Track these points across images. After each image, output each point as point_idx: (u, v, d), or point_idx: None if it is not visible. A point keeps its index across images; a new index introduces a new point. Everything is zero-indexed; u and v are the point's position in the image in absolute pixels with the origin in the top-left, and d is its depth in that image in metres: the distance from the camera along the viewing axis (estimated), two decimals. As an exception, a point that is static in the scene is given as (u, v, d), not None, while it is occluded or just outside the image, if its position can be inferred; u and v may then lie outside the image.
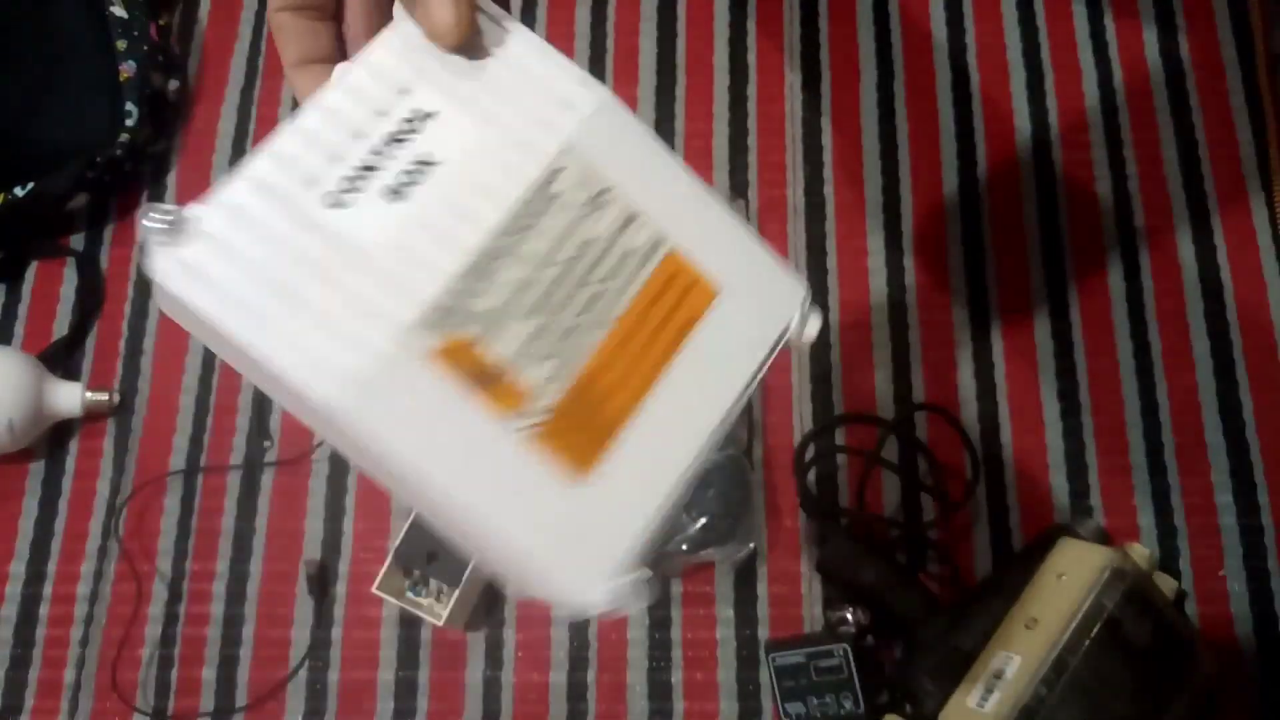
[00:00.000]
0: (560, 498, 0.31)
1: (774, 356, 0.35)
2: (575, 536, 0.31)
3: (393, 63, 0.33)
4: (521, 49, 0.34)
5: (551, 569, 0.30)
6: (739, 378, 0.34)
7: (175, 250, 0.29)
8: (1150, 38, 0.92)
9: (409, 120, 0.32)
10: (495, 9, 0.34)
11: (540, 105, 0.34)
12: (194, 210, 0.29)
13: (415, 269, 0.30)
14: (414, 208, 0.31)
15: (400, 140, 0.32)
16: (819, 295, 0.85)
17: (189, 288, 0.29)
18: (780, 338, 0.35)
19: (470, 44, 0.33)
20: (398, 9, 0.33)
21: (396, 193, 0.31)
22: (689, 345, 0.33)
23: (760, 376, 0.34)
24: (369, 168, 0.31)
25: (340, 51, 0.36)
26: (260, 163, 0.30)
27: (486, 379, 0.30)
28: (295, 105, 0.37)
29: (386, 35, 0.33)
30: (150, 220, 0.29)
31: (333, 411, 0.28)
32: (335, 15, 0.36)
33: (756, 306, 0.35)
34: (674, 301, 0.34)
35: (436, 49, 0.33)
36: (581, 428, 0.31)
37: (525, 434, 0.31)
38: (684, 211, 0.34)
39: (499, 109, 0.33)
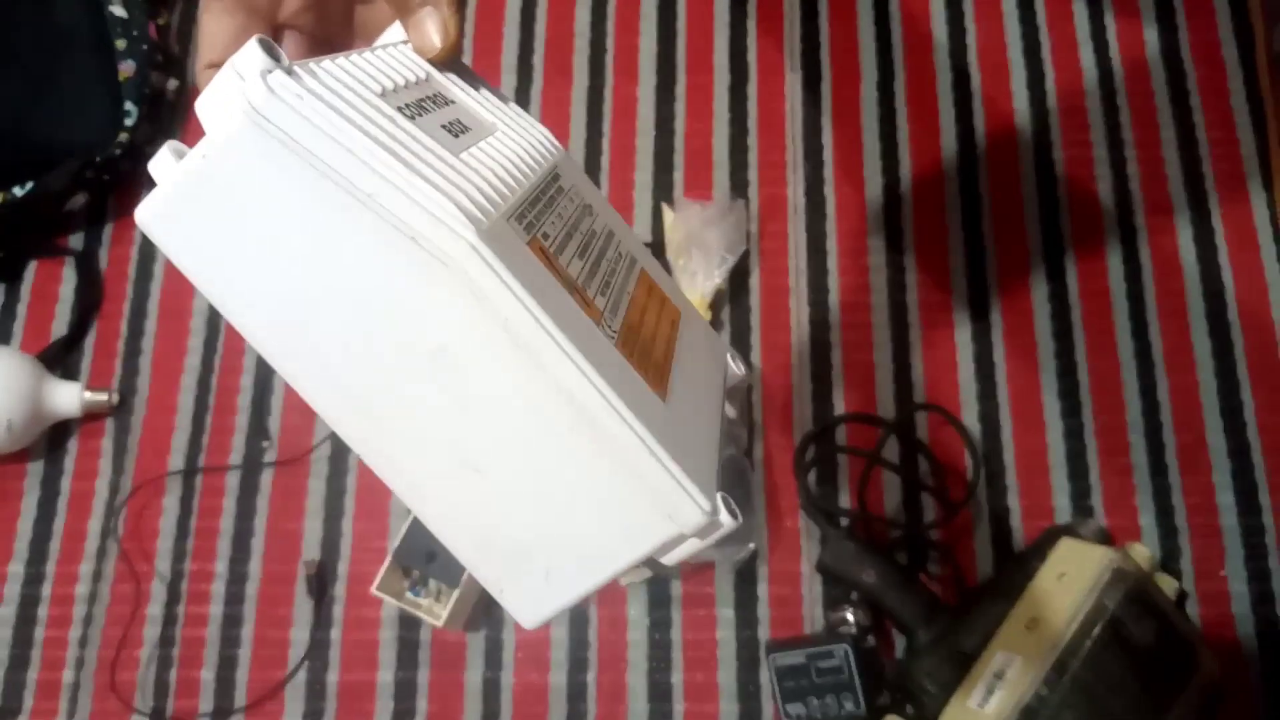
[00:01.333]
0: (655, 408, 0.29)
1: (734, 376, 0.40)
2: (682, 448, 0.29)
3: (405, 53, 0.34)
4: (498, 99, 0.36)
5: (675, 474, 0.28)
6: (721, 369, 0.39)
7: (281, 93, 0.26)
8: (1151, 36, 0.92)
9: (435, 96, 0.33)
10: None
11: (529, 132, 0.36)
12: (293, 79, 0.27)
13: (493, 179, 0.30)
14: (471, 141, 0.31)
15: (436, 103, 0.32)
16: (819, 294, 0.85)
17: (299, 125, 0.26)
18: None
19: (456, 68, 0.36)
20: (397, 30, 0.36)
21: (453, 129, 0.31)
22: (681, 329, 0.36)
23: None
24: (423, 107, 0.31)
25: None
26: (329, 70, 0.28)
27: (571, 286, 0.30)
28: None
29: (391, 40, 0.35)
30: (267, 52, 0.27)
31: (467, 255, 0.26)
32: None
33: (710, 347, 0.39)
34: (660, 303, 0.36)
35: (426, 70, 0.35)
36: (645, 356, 0.31)
37: (615, 342, 0.30)
38: (644, 254, 0.38)
39: (504, 117, 0.35)
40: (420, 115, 0.30)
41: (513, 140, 0.34)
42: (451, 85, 0.35)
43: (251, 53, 0.26)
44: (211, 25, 0.36)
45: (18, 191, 0.84)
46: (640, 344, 0.32)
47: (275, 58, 0.27)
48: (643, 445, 0.28)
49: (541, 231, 0.30)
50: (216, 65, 0.35)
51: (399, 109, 0.29)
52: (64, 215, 0.89)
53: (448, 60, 0.35)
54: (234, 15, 0.36)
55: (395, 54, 0.33)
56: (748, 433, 0.80)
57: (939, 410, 0.81)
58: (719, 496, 0.29)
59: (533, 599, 0.30)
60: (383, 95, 0.29)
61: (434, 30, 0.35)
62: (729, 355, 0.40)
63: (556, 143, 0.37)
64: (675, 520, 0.28)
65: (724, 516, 0.29)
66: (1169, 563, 0.77)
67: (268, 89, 0.26)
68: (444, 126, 0.31)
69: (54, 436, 0.83)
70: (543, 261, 0.29)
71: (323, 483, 0.81)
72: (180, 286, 0.88)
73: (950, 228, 0.86)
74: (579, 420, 0.27)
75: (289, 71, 0.27)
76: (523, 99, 0.92)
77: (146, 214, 0.27)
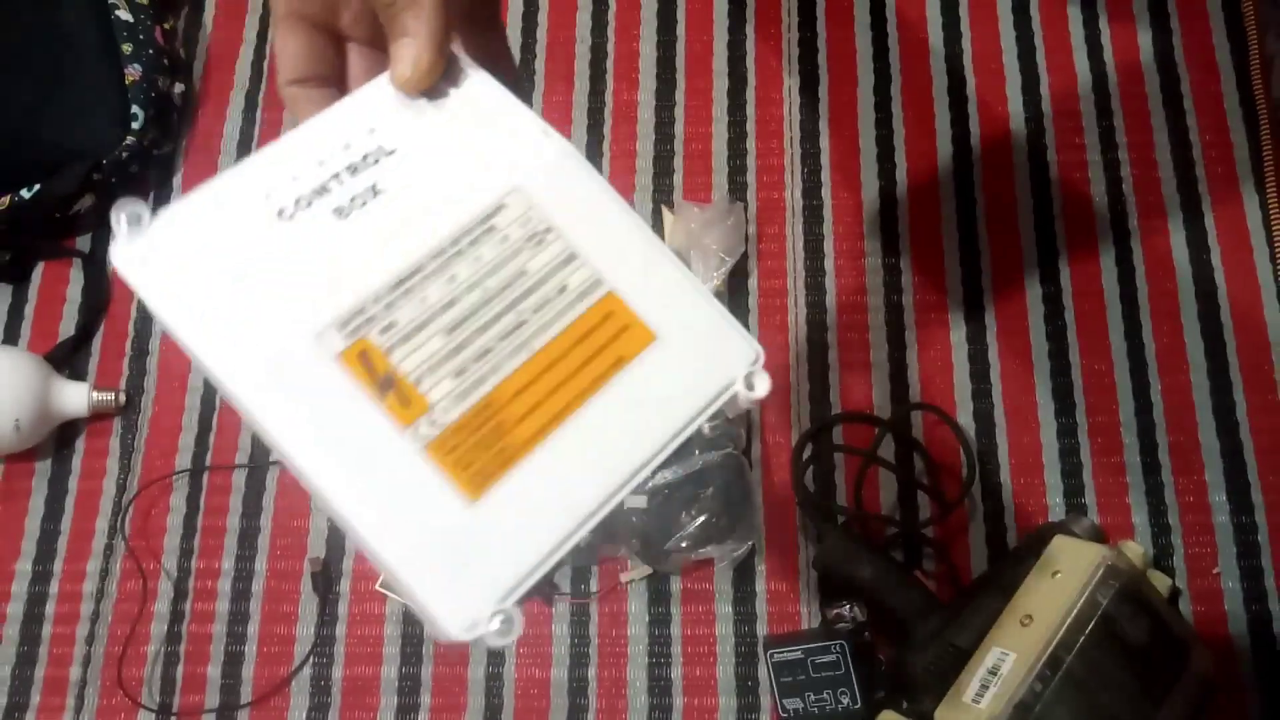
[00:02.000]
0: (445, 514, 0.30)
1: (711, 409, 0.34)
2: (453, 559, 0.30)
3: (368, 103, 0.36)
4: (491, 101, 0.37)
5: (421, 587, 0.29)
6: (666, 426, 0.33)
7: (135, 244, 0.33)
8: (1145, 40, 0.93)
9: (369, 154, 0.35)
10: (475, 67, 0.37)
11: (499, 150, 0.36)
12: (161, 213, 0.33)
13: (342, 278, 0.33)
14: (353, 226, 0.33)
15: (356, 170, 0.34)
16: (816, 295, 0.86)
17: (140, 278, 0.32)
18: (721, 393, 0.34)
19: (441, 92, 0.36)
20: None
21: (341, 212, 0.34)
22: (615, 384, 0.33)
23: (692, 427, 0.33)
24: (323, 189, 0.34)
25: None
26: (227, 175, 0.34)
27: (389, 384, 0.31)
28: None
29: (374, 80, 0.36)
30: (118, 217, 0.33)
31: (235, 395, 0.30)
32: (342, 84, 0.39)
33: (699, 358, 0.34)
34: (606, 339, 0.33)
35: (409, 99, 0.36)
36: (480, 448, 0.31)
37: (421, 445, 0.31)
38: (632, 261, 0.35)
39: (456, 151, 0.36)
40: (305, 206, 0.34)
41: (438, 188, 0.34)
42: (413, 121, 0.35)
43: (114, 214, 0.33)
44: (281, 44, 0.37)
45: (25, 194, 0.85)
46: (492, 425, 0.31)
47: (135, 219, 0.33)
48: (386, 564, 0.30)
49: (381, 326, 0.32)
50: (295, 82, 0.37)
51: (281, 207, 0.33)
52: (71, 217, 0.89)
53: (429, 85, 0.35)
54: (298, 33, 0.37)
55: (343, 112, 0.35)
56: (745, 432, 0.81)
57: (934, 410, 0.82)
58: (507, 609, 0.29)
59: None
60: (269, 196, 0.33)
61: (406, 62, 0.35)
62: (747, 369, 0.35)
63: (558, 145, 0.36)
64: (429, 623, 0.29)
65: (490, 628, 0.29)
66: (1162, 560, 0.78)
67: (115, 248, 0.32)
68: (336, 208, 0.34)
69: (61, 436, 0.84)
70: (352, 368, 0.31)
71: (327, 481, 0.82)
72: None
73: (945, 230, 0.87)
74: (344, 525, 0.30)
75: (139, 225, 0.33)
76: (524, 102, 0.93)
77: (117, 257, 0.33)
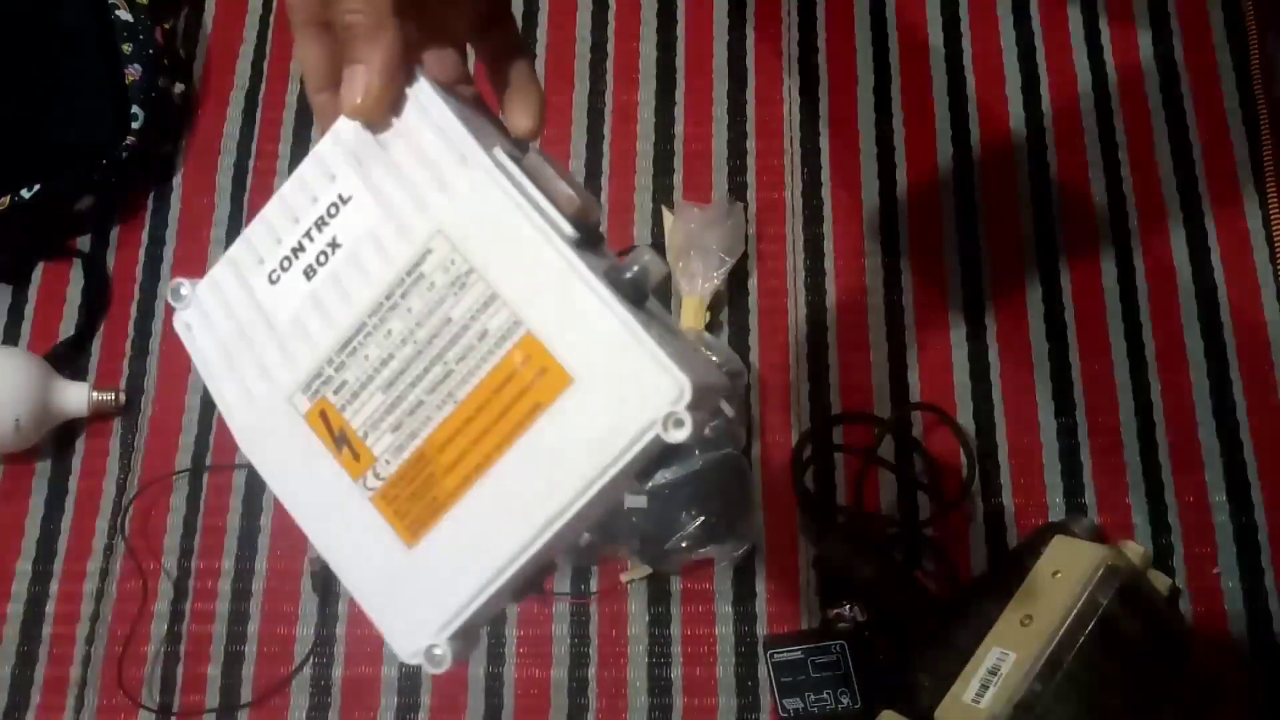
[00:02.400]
0: (389, 558, 0.34)
1: (634, 452, 0.32)
2: (399, 595, 0.34)
3: (329, 150, 0.36)
4: (422, 127, 0.35)
5: (376, 617, 0.34)
6: (582, 473, 0.32)
7: (181, 312, 0.39)
8: (1145, 40, 0.93)
9: (332, 204, 0.36)
10: (426, 89, 0.36)
11: (422, 186, 0.35)
12: (198, 284, 0.39)
13: (304, 340, 0.36)
14: (316, 285, 0.36)
15: (323, 224, 0.36)
16: (816, 295, 0.86)
17: (185, 339, 0.39)
18: (640, 436, 0.31)
19: (388, 125, 0.36)
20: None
21: (310, 271, 0.36)
22: (532, 432, 0.33)
23: (610, 474, 0.32)
24: (298, 249, 0.36)
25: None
26: (238, 245, 0.38)
27: (344, 441, 0.35)
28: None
29: (336, 124, 0.36)
30: (170, 290, 0.39)
31: (242, 449, 0.37)
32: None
33: (617, 399, 0.32)
34: (523, 386, 0.33)
35: (364, 132, 0.36)
36: (415, 498, 0.34)
37: (369, 495, 0.35)
38: (551, 296, 0.33)
39: (392, 190, 0.35)
40: (285, 268, 0.37)
41: (376, 236, 0.35)
42: (364, 160, 0.36)
43: (172, 290, 0.39)
44: (303, 53, 0.37)
45: (25, 193, 0.85)
46: (423, 475, 0.34)
47: (175, 292, 0.39)
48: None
49: (334, 386, 0.35)
50: (324, 90, 0.37)
51: (271, 271, 0.37)
52: (71, 217, 0.90)
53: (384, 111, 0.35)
54: (320, 41, 0.36)
55: (310, 164, 0.37)
56: (746, 431, 0.81)
57: (934, 409, 0.82)
58: (440, 642, 0.33)
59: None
60: (262, 262, 0.37)
61: (355, 89, 0.34)
62: (668, 409, 0.31)
63: (472, 175, 0.34)
64: (395, 648, 0.34)
65: (438, 654, 0.33)
66: (1162, 560, 0.78)
67: (175, 319, 0.39)
68: (307, 268, 0.36)
69: (61, 436, 0.84)
70: (315, 427, 0.35)
71: (327, 481, 0.82)
72: (186, 288, 0.89)
73: (945, 230, 0.87)
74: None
75: (186, 298, 0.39)
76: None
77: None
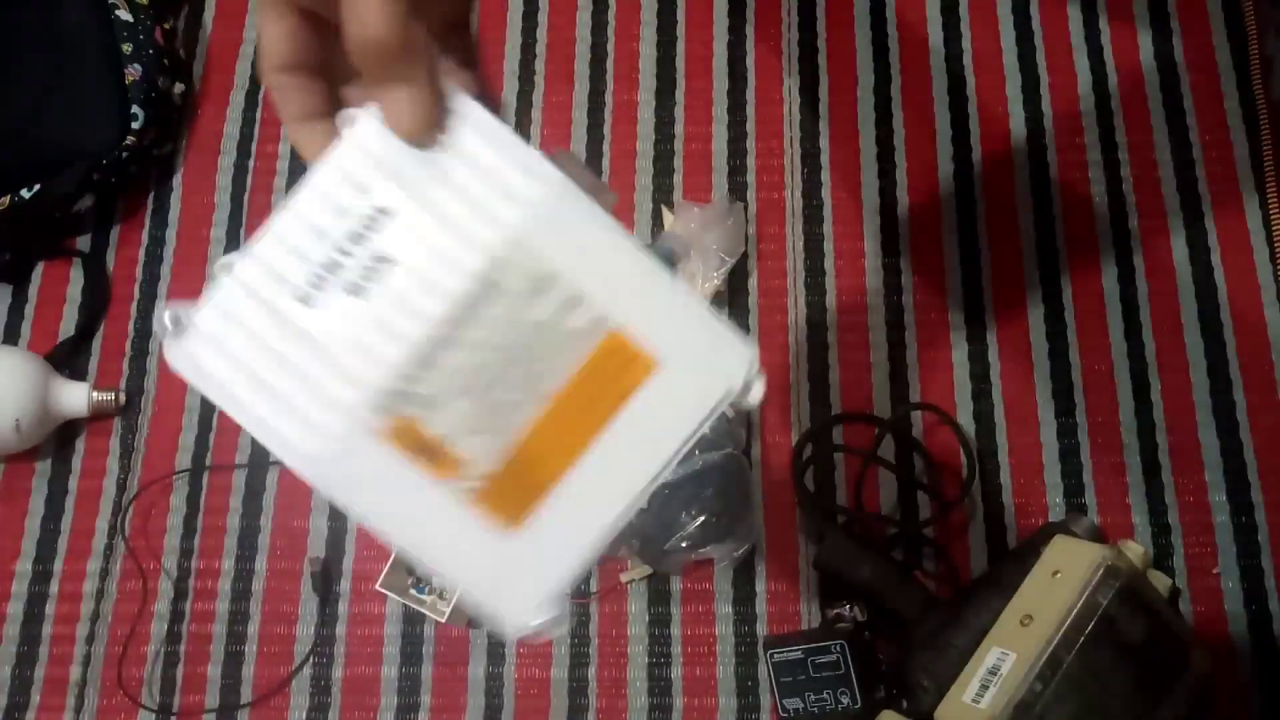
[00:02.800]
0: (496, 546, 0.36)
1: (712, 418, 0.36)
2: (505, 578, 0.36)
3: (355, 160, 0.35)
4: (476, 140, 0.35)
5: (484, 603, 0.36)
6: (669, 442, 0.36)
7: (182, 343, 0.35)
8: (1145, 40, 0.93)
9: (369, 218, 0.35)
10: (462, 99, 0.35)
11: (488, 198, 0.35)
12: (197, 311, 0.35)
13: (367, 360, 0.35)
14: (369, 304, 0.35)
15: (360, 238, 0.35)
16: (816, 295, 0.86)
17: (193, 374, 0.35)
18: (719, 403, 0.36)
19: (431, 138, 0.35)
20: (361, 106, 0.35)
21: (356, 289, 0.35)
22: (625, 413, 0.36)
23: (694, 438, 0.36)
24: (334, 265, 0.35)
25: (336, 106, 0.36)
26: (245, 263, 0.35)
27: (428, 451, 0.35)
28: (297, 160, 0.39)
29: (352, 131, 0.35)
30: (163, 319, 0.35)
31: (307, 481, 0.35)
32: (326, 73, 0.36)
33: (697, 374, 0.36)
34: (611, 375, 0.36)
35: (397, 143, 0.34)
36: (514, 488, 0.36)
37: (463, 495, 0.36)
38: (629, 290, 0.36)
39: (449, 204, 0.35)
40: (319, 286, 0.34)
41: (439, 249, 0.35)
42: (404, 172, 0.34)
43: (157, 319, 0.35)
44: (268, 29, 0.35)
45: (25, 194, 0.85)
46: (521, 467, 0.36)
47: (176, 319, 0.35)
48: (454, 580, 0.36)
49: (414, 398, 0.35)
50: (283, 69, 0.35)
51: (298, 290, 0.34)
52: (71, 217, 0.90)
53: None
54: (286, 18, 0.35)
55: (332, 175, 0.35)
56: (745, 432, 0.81)
57: (934, 409, 0.82)
58: (553, 608, 0.36)
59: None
60: (284, 281, 0.34)
61: (409, 114, 0.33)
62: (742, 376, 0.36)
63: (544, 186, 0.35)
64: (495, 627, 0.36)
65: (542, 623, 0.35)
66: (1162, 560, 0.78)
67: (167, 349, 0.35)
68: (350, 284, 0.34)
69: (61, 436, 0.84)
70: (395, 443, 0.35)
71: (327, 481, 0.82)
72: (187, 287, 0.89)
73: (945, 230, 0.87)
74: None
75: (183, 326, 0.35)
76: (525, 104, 0.93)
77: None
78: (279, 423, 0.35)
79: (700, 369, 0.36)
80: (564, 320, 0.35)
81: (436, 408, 0.35)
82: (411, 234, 0.35)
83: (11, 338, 0.88)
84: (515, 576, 0.36)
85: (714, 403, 0.36)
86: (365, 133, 0.35)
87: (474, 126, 0.35)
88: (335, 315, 0.35)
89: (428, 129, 0.34)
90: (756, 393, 0.36)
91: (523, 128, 0.93)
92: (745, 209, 0.88)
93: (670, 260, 0.35)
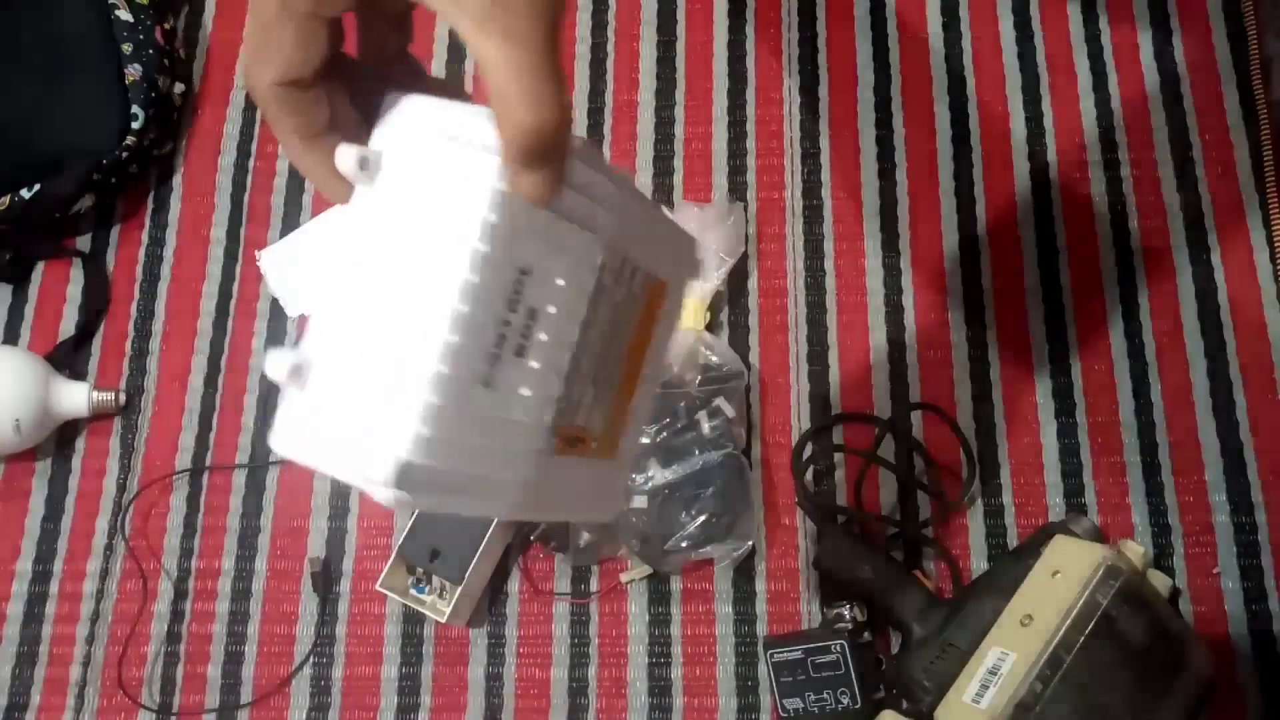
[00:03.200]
0: (604, 478, 0.44)
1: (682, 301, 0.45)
2: (612, 491, 0.45)
3: (490, 247, 0.33)
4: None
5: (604, 517, 0.51)
6: (670, 337, 0.45)
7: (392, 452, 0.32)
8: (1145, 40, 0.93)
9: (516, 283, 0.34)
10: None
11: (587, 214, 0.36)
12: (409, 460, 0.32)
13: (539, 402, 0.37)
14: (534, 358, 0.36)
15: (514, 303, 0.34)
16: (816, 295, 0.86)
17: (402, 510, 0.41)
18: (687, 288, 0.45)
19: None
20: (495, 168, 0.33)
21: (521, 349, 0.35)
22: (654, 336, 0.43)
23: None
24: (500, 339, 0.34)
25: (331, 122, 0.35)
26: (433, 380, 0.32)
27: (577, 441, 0.40)
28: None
29: (484, 199, 0.33)
30: (280, 368, 0.33)
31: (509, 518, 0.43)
32: (314, 84, 0.34)
33: (677, 276, 0.44)
34: (649, 311, 0.42)
35: (522, 205, 0.33)
36: (610, 432, 0.42)
37: (591, 457, 0.42)
38: (655, 241, 0.42)
39: (568, 236, 0.36)
40: (494, 368, 0.34)
41: (568, 282, 0.36)
42: (531, 227, 0.34)
43: (275, 366, 0.32)
44: (281, 36, 0.32)
45: (25, 194, 0.86)
46: (615, 415, 0.42)
47: (296, 374, 0.32)
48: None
49: (565, 409, 0.38)
50: (297, 84, 0.33)
51: (485, 382, 0.34)
52: (71, 217, 0.90)
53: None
54: (315, 29, 0.33)
55: (479, 249, 0.32)
56: (745, 432, 0.81)
57: (934, 409, 0.82)
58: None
59: None
60: (468, 359, 0.33)
61: (546, 187, 0.32)
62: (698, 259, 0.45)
63: (622, 186, 0.38)
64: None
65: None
66: (1162, 560, 0.78)
67: (394, 491, 0.32)
68: (516, 351, 0.35)
69: (62, 436, 0.84)
70: (562, 451, 0.39)
71: (327, 481, 0.82)
72: (187, 288, 0.89)
73: (945, 229, 0.87)
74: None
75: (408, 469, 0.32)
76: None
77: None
78: (485, 503, 0.37)
79: (678, 268, 0.44)
80: (628, 288, 0.40)
81: (577, 405, 0.39)
82: (548, 281, 0.35)
83: (11, 338, 0.88)
84: (619, 485, 0.45)
85: (685, 292, 0.45)
86: (480, 204, 0.32)
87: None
88: (513, 385, 0.35)
89: (560, 193, 0.33)
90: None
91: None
92: (745, 209, 0.88)
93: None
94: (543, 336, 0.36)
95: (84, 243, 0.90)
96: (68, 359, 0.86)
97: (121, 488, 0.83)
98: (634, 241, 0.39)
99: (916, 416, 0.82)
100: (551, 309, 0.36)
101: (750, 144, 0.91)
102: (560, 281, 0.36)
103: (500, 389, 0.35)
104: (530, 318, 0.35)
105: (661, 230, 0.44)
